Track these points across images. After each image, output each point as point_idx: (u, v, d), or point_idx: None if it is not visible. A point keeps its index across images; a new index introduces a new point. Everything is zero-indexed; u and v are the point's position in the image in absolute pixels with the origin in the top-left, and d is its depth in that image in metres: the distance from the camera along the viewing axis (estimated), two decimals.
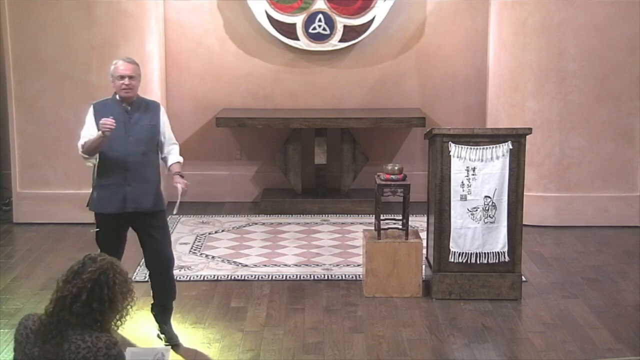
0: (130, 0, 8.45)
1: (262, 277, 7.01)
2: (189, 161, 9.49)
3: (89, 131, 5.50)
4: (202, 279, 6.98)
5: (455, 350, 5.61)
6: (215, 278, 6.99)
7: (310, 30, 9.21)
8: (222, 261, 7.42)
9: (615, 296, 6.62)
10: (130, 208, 5.50)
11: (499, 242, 6.41)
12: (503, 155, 6.35)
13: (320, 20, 9.19)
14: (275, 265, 7.34)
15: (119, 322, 3.38)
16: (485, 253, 6.43)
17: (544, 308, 6.37)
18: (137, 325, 5.72)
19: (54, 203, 8.51)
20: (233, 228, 8.45)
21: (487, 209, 6.38)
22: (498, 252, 6.42)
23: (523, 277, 6.67)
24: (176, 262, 7.32)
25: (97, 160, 5.50)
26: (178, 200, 5.61)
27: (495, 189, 6.37)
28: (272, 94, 9.43)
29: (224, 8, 9.31)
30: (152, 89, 8.79)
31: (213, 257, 7.52)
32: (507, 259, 6.43)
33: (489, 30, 8.86)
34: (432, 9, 9.31)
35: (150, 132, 5.59)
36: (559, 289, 6.77)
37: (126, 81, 5.50)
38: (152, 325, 6.01)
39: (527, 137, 6.43)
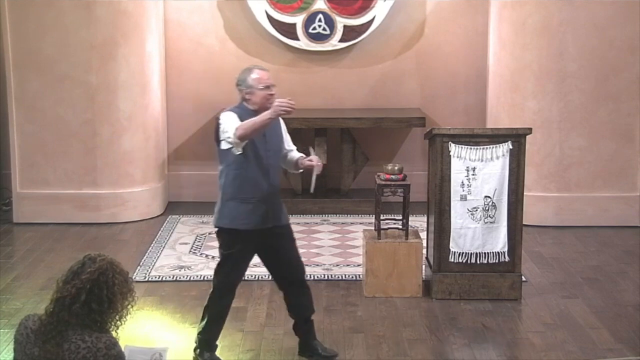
0: (130, 0, 8.45)
1: (262, 277, 7.00)
2: (189, 161, 9.59)
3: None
4: (202, 279, 6.97)
5: (455, 350, 5.61)
6: None
7: (310, 30, 9.21)
8: None
9: (615, 296, 6.61)
10: (271, 223, 5.25)
11: (499, 242, 6.40)
12: (503, 155, 6.35)
13: (320, 20, 9.18)
14: None
15: (119, 322, 3.38)
16: (485, 253, 6.42)
17: (544, 308, 6.36)
18: (138, 325, 5.71)
19: (54, 203, 8.51)
20: None
21: (487, 209, 6.38)
22: (498, 252, 6.42)
23: (523, 277, 6.67)
24: (176, 262, 7.37)
25: (236, 172, 5.17)
26: (314, 175, 5.29)
27: (495, 189, 6.37)
28: None
29: (224, 8, 9.31)
30: (152, 89, 8.79)
31: (213, 257, 7.51)
32: (507, 259, 6.43)
33: (489, 30, 8.86)
34: (432, 9, 9.30)
35: (281, 142, 5.37)
36: (559, 289, 6.77)
37: (272, 91, 5.18)
38: (152, 325, 6.02)
39: (527, 137, 6.43)
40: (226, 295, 5.38)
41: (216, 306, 5.37)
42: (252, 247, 5.30)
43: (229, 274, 5.33)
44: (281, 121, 5.36)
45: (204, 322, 5.38)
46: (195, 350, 5.39)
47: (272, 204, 5.26)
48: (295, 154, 5.47)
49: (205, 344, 5.38)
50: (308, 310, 5.50)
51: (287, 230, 5.41)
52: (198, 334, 5.41)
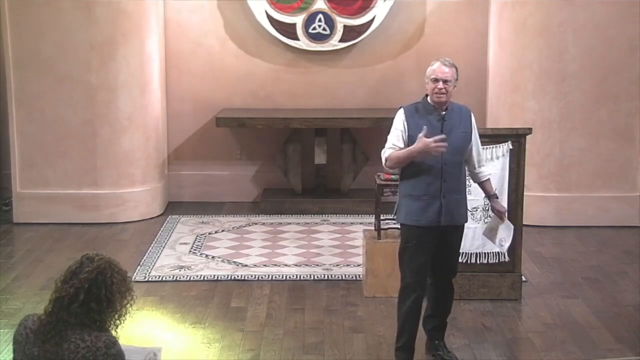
0: (130, 0, 8.45)
1: (262, 277, 7.01)
2: (189, 161, 9.59)
3: (398, 140, 5.12)
4: (202, 279, 6.97)
5: (455, 350, 5.60)
6: (215, 278, 6.98)
7: (310, 30, 9.21)
8: (222, 261, 7.41)
9: (615, 296, 6.61)
10: (444, 221, 5.14)
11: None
12: (503, 155, 6.34)
13: (320, 20, 9.18)
14: (275, 265, 7.34)
15: (118, 321, 3.37)
16: (485, 253, 6.42)
17: (544, 308, 6.36)
18: (138, 325, 5.71)
19: (54, 203, 8.51)
20: (233, 228, 8.44)
21: (487, 209, 6.36)
22: (498, 252, 6.41)
23: (523, 277, 6.67)
24: (176, 262, 7.37)
25: (411, 169, 5.13)
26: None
27: (495, 189, 6.35)
28: (272, 94, 9.42)
29: (224, 8, 9.31)
30: (152, 89, 8.79)
31: (213, 257, 7.52)
32: (507, 259, 6.42)
33: (489, 30, 8.86)
34: (432, 9, 9.31)
35: (465, 141, 5.21)
36: (559, 289, 6.77)
37: (440, 85, 5.11)
38: (152, 325, 6.02)
39: (527, 137, 6.43)
40: (411, 291, 5.20)
41: (403, 303, 5.24)
42: (430, 242, 5.18)
43: (408, 265, 5.22)
44: (473, 121, 5.31)
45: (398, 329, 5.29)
46: None
47: (448, 202, 5.14)
48: (483, 174, 5.44)
49: (402, 353, 5.27)
50: (438, 308, 5.49)
51: (459, 230, 5.35)
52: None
